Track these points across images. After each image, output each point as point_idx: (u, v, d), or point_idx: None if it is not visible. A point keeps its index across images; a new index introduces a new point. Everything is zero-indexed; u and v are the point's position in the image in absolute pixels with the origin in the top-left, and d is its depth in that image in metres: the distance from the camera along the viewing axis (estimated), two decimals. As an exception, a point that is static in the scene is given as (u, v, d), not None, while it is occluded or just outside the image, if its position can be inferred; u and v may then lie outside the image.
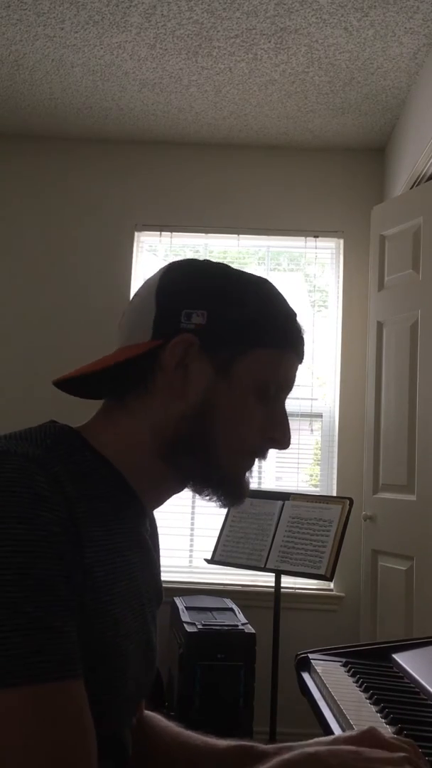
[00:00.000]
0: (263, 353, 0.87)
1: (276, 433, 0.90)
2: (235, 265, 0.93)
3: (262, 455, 0.91)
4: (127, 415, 0.87)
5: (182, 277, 0.90)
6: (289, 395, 0.93)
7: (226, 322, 0.86)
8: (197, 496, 0.90)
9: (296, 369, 0.92)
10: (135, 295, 0.93)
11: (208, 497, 0.90)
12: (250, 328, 0.87)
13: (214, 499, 0.90)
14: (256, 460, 0.91)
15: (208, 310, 0.86)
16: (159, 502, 0.93)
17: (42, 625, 0.66)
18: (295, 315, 0.92)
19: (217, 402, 0.86)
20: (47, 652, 0.66)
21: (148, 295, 0.89)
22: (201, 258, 0.94)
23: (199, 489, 0.90)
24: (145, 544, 0.89)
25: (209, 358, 0.86)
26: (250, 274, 0.92)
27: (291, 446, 0.92)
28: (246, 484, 0.91)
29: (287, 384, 0.91)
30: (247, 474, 0.91)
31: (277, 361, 0.89)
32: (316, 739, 0.84)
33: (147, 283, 0.92)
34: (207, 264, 0.92)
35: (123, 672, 0.78)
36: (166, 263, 0.93)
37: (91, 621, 0.73)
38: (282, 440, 0.90)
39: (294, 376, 0.92)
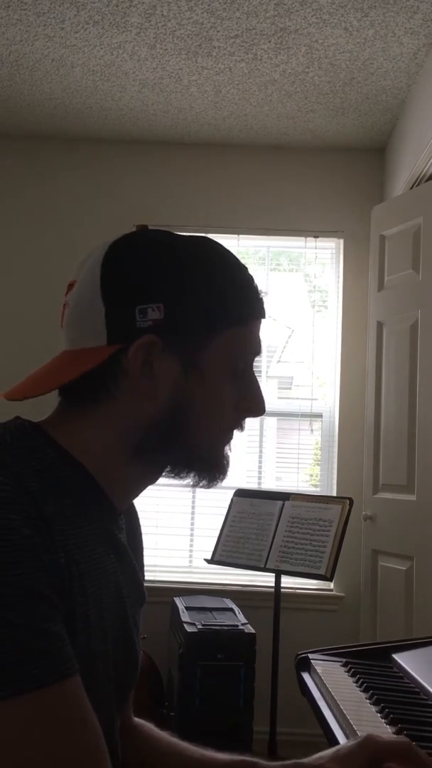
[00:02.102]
0: (228, 334, 0.81)
1: (250, 404, 0.85)
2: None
3: (240, 428, 0.87)
4: (90, 422, 0.81)
5: (128, 267, 0.80)
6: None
7: (186, 311, 0.79)
8: (177, 480, 0.85)
9: (260, 330, 0.86)
10: (73, 287, 0.84)
11: (186, 480, 0.85)
12: (211, 311, 0.80)
13: (195, 481, 0.85)
14: (235, 432, 0.87)
15: (164, 303, 0.78)
16: (131, 498, 0.88)
17: (30, 631, 0.63)
18: (248, 275, 0.84)
19: (190, 396, 0.80)
20: (38, 658, 0.63)
21: (90, 291, 0.80)
22: (135, 232, 0.85)
23: (176, 474, 0.85)
24: (118, 544, 0.83)
25: (174, 354, 0.79)
26: (190, 239, 0.83)
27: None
28: (227, 459, 0.86)
29: (256, 351, 0.85)
30: (227, 448, 0.86)
31: (244, 337, 0.83)
32: (318, 754, 0.83)
33: (85, 276, 0.82)
34: (148, 244, 0.82)
35: (91, 673, 0.73)
36: (103, 246, 0.82)
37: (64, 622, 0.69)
38: (257, 409, 0.86)
39: (260, 338, 0.86)
